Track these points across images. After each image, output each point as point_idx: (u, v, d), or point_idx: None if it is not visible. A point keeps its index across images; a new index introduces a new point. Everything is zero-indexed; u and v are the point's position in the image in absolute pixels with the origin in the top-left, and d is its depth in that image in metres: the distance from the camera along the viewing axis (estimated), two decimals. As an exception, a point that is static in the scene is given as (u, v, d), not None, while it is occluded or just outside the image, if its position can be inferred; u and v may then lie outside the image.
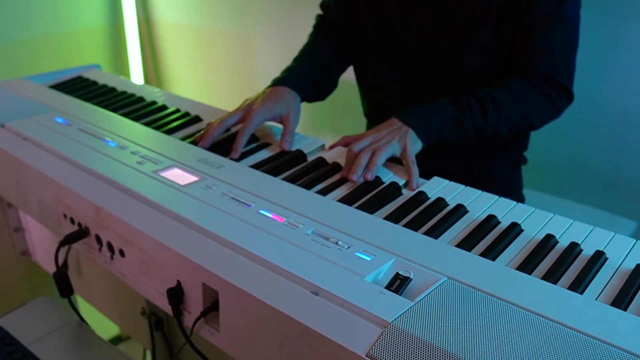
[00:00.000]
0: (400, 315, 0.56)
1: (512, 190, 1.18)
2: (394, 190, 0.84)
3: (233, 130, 1.02)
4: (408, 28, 1.07)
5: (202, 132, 1.00)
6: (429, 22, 1.05)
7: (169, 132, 1.04)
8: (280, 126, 1.02)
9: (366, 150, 0.88)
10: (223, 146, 0.99)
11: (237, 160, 0.94)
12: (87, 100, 1.20)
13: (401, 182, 0.86)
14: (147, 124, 1.07)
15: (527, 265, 0.67)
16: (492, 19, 1.01)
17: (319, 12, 1.24)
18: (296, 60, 1.15)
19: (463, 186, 0.85)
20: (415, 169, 0.87)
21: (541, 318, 0.56)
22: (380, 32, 1.11)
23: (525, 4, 0.98)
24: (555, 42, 1.00)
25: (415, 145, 0.91)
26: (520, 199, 1.19)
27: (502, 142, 1.11)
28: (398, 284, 0.62)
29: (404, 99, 1.13)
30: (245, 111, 0.99)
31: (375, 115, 1.22)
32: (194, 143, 0.99)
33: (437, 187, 0.85)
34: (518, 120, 1.00)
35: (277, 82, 1.06)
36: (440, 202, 0.80)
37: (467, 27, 1.03)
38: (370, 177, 0.85)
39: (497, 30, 1.01)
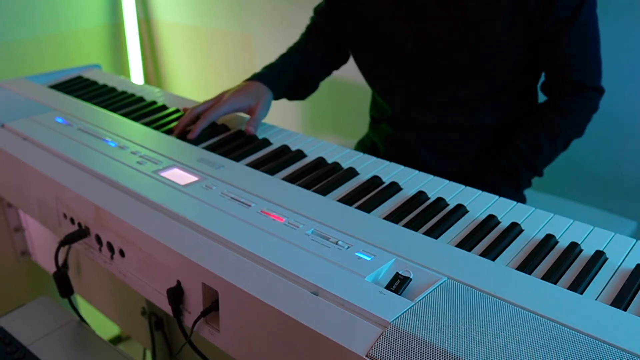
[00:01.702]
0: (400, 315, 0.56)
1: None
2: (394, 191, 0.84)
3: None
4: (411, 38, 1.07)
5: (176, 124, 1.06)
6: (432, 32, 1.05)
7: (169, 132, 1.04)
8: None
9: None
10: (223, 146, 0.99)
11: (237, 159, 0.94)
12: (87, 100, 1.20)
13: (401, 182, 0.86)
14: (147, 124, 1.07)
15: (527, 265, 0.67)
16: (501, 30, 1.00)
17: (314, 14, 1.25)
18: (280, 58, 1.20)
19: (463, 186, 0.85)
20: None
21: (541, 318, 0.56)
22: (382, 42, 1.11)
23: (539, 16, 0.98)
24: (578, 48, 1.01)
25: None
26: (521, 200, 1.19)
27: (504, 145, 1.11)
28: (398, 284, 0.62)
29: (407, 103, 1.14)
30: (216, 100, 1.06)
31: (383, 121, 1.23)
32: (170, 133, 1.03)
33: (437, 187, 0.85)
34: (563, 147, 1.08)
35: (253, 77, 1.12)
36: (440, 202, 0.80)
37: (473, 37, 1.02)
38: None
39: (507, 41, 1.01)
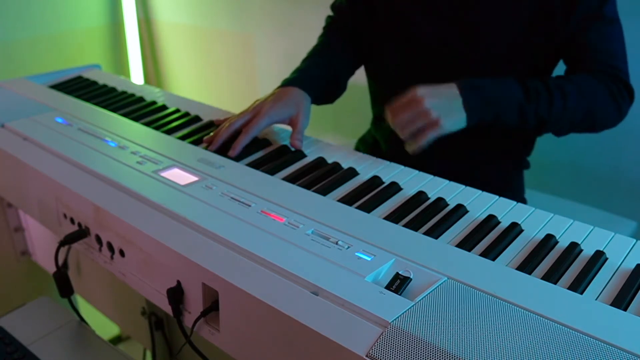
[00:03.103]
0: (400, 315, 0.56)
1: (514, 195, 1.17)
2: (394, 191, 0.84)
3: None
4: (427, 35, 1.06)
5: (210, 134, 1.00)
6: (449, 30, 1.04)
7: (169, 132, 1.05)
8: (285, 127, 1.02)
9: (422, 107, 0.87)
10: (223, 146, 0.99)
11: (237, 159, 0.94)
12: (87, 100, 1.20)
13: (401, 182, 0.86)
14: (147, 124, 1.07)
15: (527, 265, 0.67)
16: (519, 29, 0.99)
17: (322, 12, 1.24)
18: (305, 61, 1.14)
19: (463, 186, 0.85)
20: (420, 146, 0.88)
21: (541, 318, 0.56)
22: (398, 38, 1.10)
23: (563, 13, 0.96)
24: (608, 42, 0.98)
25: (455, 126, 0.90)
26: (521, 200, 1.19)
27: (508, 147, 1.10)
28: (398, 284, 0.62)
29: None
30: (254, 113, 0.99)
31: (382, 114, 1.22)
32: (201, 144, 0.99)
33: (437, 187, 0.85)
34: (582, 116, 0.95)
35: (287, 83, 1.05)
36: (440, 202, 0.80)
37: (490, 36, 1.01)
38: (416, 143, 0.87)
39: (525, 41, 1.00)
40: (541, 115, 0.92)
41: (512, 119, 0.92)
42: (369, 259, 0.66)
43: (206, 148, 0.97)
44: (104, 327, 1.50)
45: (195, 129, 1.06)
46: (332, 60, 1.15)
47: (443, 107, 0.88)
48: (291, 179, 0.87)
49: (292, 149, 0.98)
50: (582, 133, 1.03)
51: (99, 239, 0.83)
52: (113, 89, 1.28)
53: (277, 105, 0.99)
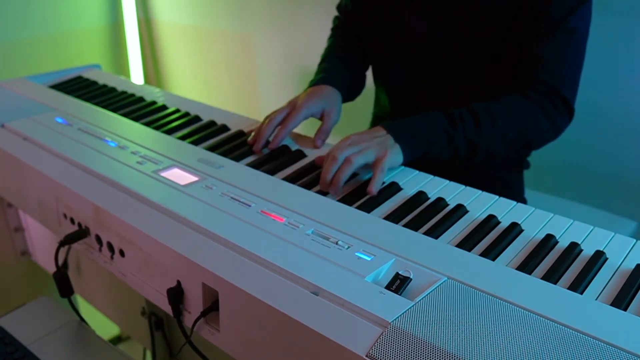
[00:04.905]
0: (400, 315, 0.56)
1: (514, 195, 1.17)
2: (394, 191, 0.84)
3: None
4: (420, 33, 1.07)
5: (252, 135, 1.00)
6: (442, 28, 1.04)
7: (169, 132, 1.05)
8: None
9: (337, 158, 0.84)
10: (223, 146, 0.99)
11: (237, 159, 0.94)
12: (87, 100, 1.20)
13: (401, 182, 0.86)
14: (147, 124, 1.07)
15: (527, 265, 0.67)
16: (504, 25, 0.99)
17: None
18: (323, 63, 1.16)
19: (463, 186, 0.85)
20: (380, 176, 0.82)
21: (541, 318, 0.56)
22: (392, 37, 1.11)
23: (533, 12, 0.96)
24: (560, 52, 0.96)
25: (396, 157, 0.86)
26: (521, 200, 1.19)
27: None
28: (398, 284, 0.62)
29: (415, 102, 1.13)
30: (291, 107, 1.00)
31: (385, 119, 1.22)
32: (248, 145, 0.99)
33: (437, 187, 0.85)
34: (514, 136, 0.95)
35: (316, 83, 1.06)
36: (440, 202, 0.80)
37: (481, 32, 1.02)
38: (333, 191, 0.83)
39: (506, 36, 1.00)
40: (471, 139, 0.91)
41: (443, 148, 0.90)
42: (369, 259, 0.66)
43: (251, 148, 0.98)
44: (104, 327, 1.50)
45: (195, 129, 1.06)
46: (348, 59, 1.17)
47: (379, 144, 0.86)
48: (291, 179, 0.87)
49: (292, 149, 0.98)
50: (520, 150, 1.01)
51: (99, 239, 0.83)
52: (113, 89, 1.28)
53: (313, 99, 1.00)
